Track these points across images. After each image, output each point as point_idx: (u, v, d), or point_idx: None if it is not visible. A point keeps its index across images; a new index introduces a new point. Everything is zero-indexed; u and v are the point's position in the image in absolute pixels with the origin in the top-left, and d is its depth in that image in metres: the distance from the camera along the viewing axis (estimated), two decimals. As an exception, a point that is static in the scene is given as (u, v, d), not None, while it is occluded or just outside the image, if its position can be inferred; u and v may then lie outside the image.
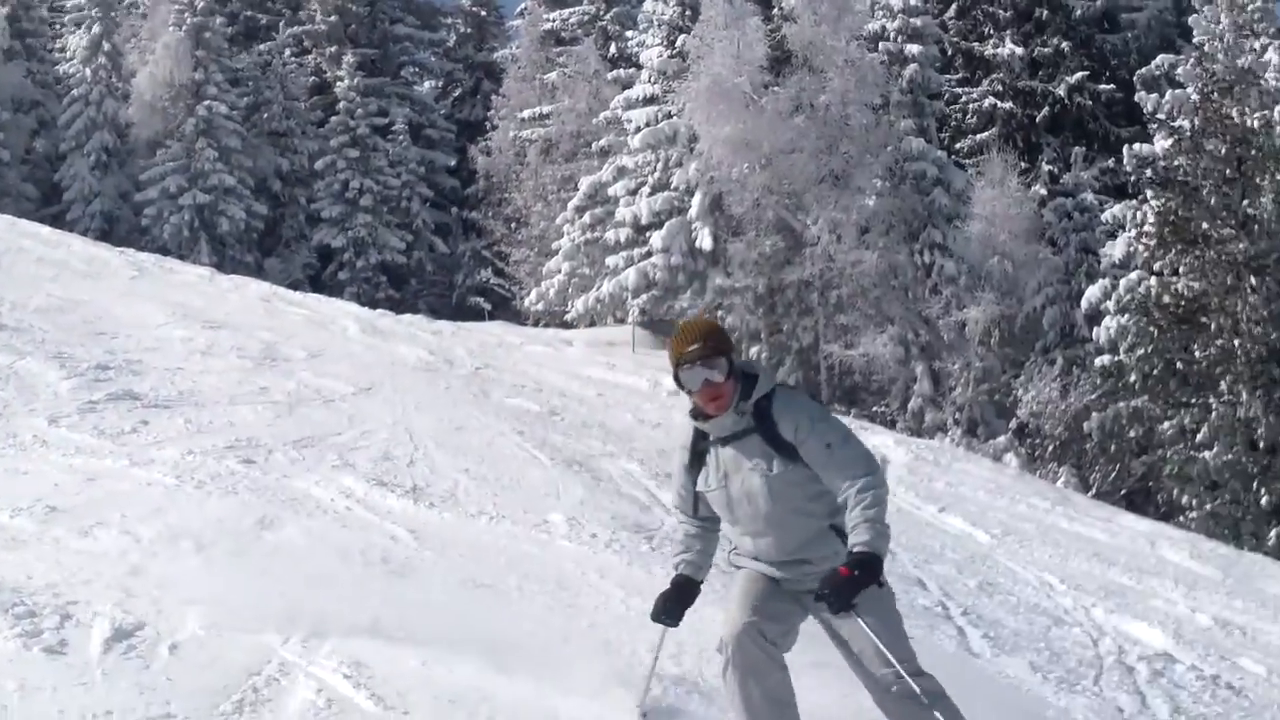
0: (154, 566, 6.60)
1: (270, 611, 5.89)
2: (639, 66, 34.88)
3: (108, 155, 43.64)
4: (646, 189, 31.58)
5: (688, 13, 32.75)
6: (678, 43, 32.01)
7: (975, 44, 36.17)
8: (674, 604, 4.74)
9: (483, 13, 54.65)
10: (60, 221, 39.49)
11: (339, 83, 46.56)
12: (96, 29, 45.03)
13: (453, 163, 49.01)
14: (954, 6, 37.14)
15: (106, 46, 44.77)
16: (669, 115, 31.44)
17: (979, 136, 34.38)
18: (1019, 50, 35.19)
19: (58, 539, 7.02)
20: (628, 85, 34.96)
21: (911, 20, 32.62)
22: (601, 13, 45.43)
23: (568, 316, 33.17)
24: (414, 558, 7.68)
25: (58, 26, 48.39)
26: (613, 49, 42.91)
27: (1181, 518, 22.81)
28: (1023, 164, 31.87)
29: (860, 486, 4.21)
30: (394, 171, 46.06)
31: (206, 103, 42.94)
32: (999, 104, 34.92)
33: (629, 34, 41.86)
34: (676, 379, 4.44)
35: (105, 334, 15.50)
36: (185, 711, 4.71)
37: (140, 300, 19.06)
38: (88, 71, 44.23)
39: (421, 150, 48.26)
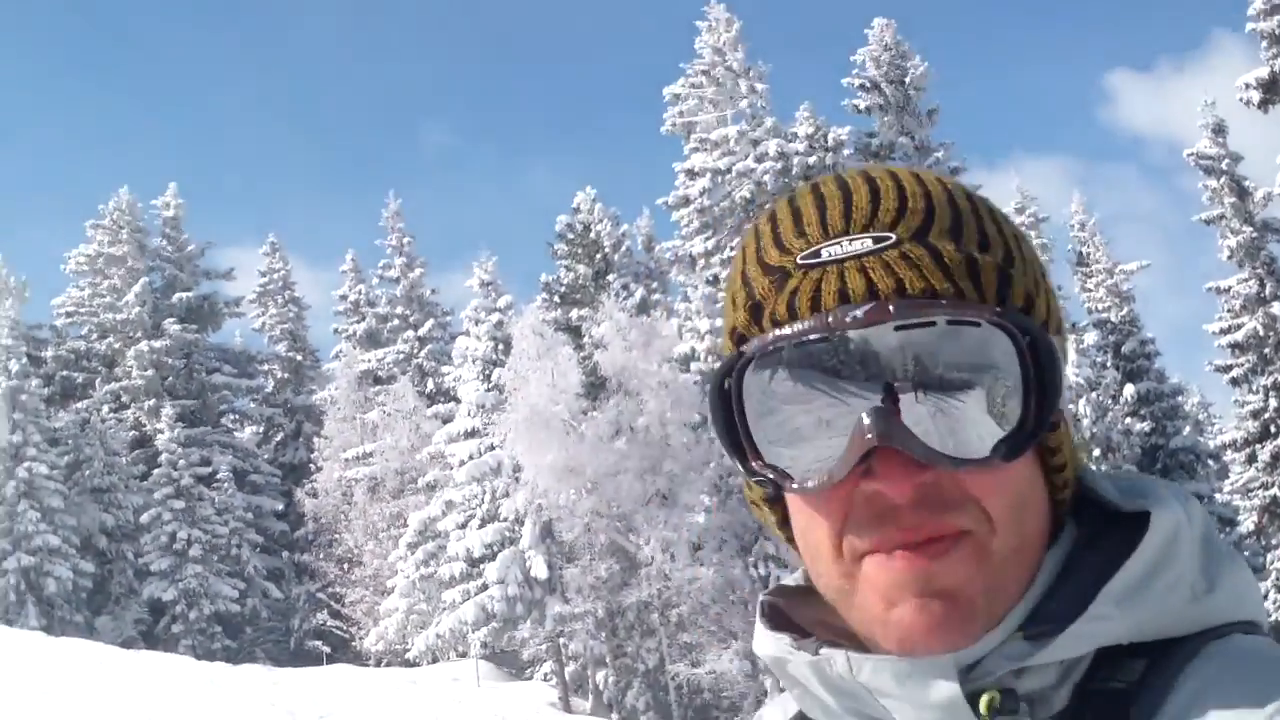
0: None
1: None
2: (457, 400, 35.70)
3: (-74, 521, 42.52)
4: (476, 521, 32.01)
5: (500, 347, 33.80)
6: (493, 376, 32.94)
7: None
8: None
9: (299, 357, 55.72)
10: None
11: (159, 435, 46.57)
12: (-94, 400, 44.48)
13: (280, 506, 48.96)
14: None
15: (-80, 417, 44.17)
16: (491, 447, 32.12)
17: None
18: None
19: None
20: (448, 420, 35.76)
21: (719, 341, 34.30)
22: (416, 350, 46.78)
23: (409, 654, 32.91)
24: None
25: None
26: (430, 385, 44.05)
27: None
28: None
29: None
30: (221, 519, 45.72)
31: (26, 464, 42.44)
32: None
33: (445, 369, 42.98)
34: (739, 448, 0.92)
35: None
36: None
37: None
38: (-94, 438, 43.43)
39: (247, 496, 48.16)
